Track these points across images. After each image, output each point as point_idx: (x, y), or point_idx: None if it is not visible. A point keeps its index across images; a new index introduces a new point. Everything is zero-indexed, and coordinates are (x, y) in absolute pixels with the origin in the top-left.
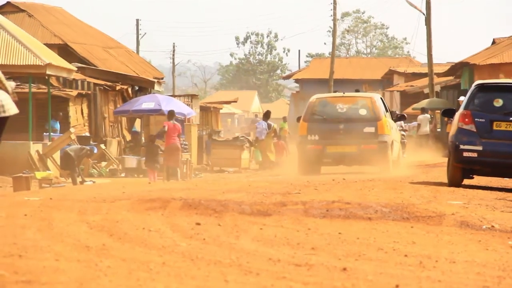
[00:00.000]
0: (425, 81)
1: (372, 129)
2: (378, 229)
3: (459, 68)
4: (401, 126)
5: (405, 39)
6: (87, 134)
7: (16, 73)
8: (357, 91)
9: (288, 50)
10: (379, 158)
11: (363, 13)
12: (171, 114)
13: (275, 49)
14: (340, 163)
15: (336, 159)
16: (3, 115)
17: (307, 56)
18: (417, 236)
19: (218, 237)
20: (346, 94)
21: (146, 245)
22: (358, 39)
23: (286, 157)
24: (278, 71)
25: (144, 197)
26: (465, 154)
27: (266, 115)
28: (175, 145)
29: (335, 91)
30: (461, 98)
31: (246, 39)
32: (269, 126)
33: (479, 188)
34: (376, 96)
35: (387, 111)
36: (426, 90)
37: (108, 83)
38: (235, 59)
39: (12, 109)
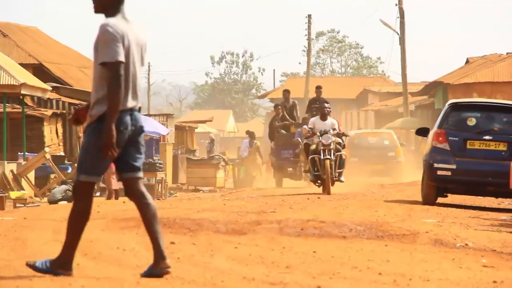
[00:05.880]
0: (399, 100)
1: (393, 153)
2: (352, 248)
3: (433, 87)
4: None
5: (379, 58)
6: (62, 153)
7: None
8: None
9: (263, 70)
10: (398, 171)
11: (337, 32)
12: None
13: (250, 69)
14: (374, 176)
15: (370, 173)
16: None
17: (282, 76)
18: (391, 254)
19: (192, 256)
20: (374, 130)
21: (120, 264)
22: (333, 59)
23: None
24: (253, 91)
25: (119, 216)
26: (439, 172)
27: (251, 135)
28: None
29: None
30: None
31: (221, 58)
32: (251, 144)
33: (453, 206)
34: (392, 132)
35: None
36: (401, 109)
37: (83, 103)
38: (210, 78)
39: None
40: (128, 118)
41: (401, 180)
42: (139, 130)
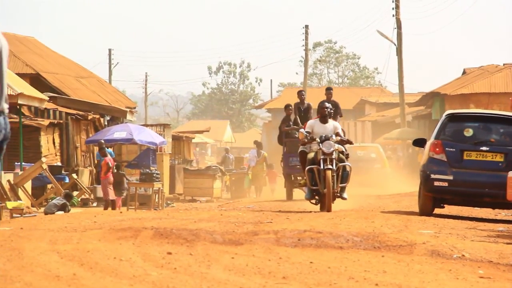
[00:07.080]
0: (396, 111)
1: (379, 165)
2: (349, 258)
3: (430, 98)
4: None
5: (376, 69)
6: (59, 163)
7: None
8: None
9: (261, 80)
10: (384, 181)
11: (335, 43)
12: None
13: (248, 79)
14: (361, 186)
15: (357, 184)
16: None
17: (279, 86)
18: (388, 265)
19: (189, 266)
20: (361, 144)
21: (117, 274)
22: (330, 69)
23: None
24: (251, 101)
25: (116, 226)
26: (436, 183)
27: (258, 145)
28: (110, 179)
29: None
30: None
31: (218, 68)
32: (258, 154)
33: (450, 217)
34: (379, 145)
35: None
36: (398, 120)
37: (80, 113)
38: (207, 88)
39: None
40: (2, 120)
41: (387, 190)
42: (6, 136)
